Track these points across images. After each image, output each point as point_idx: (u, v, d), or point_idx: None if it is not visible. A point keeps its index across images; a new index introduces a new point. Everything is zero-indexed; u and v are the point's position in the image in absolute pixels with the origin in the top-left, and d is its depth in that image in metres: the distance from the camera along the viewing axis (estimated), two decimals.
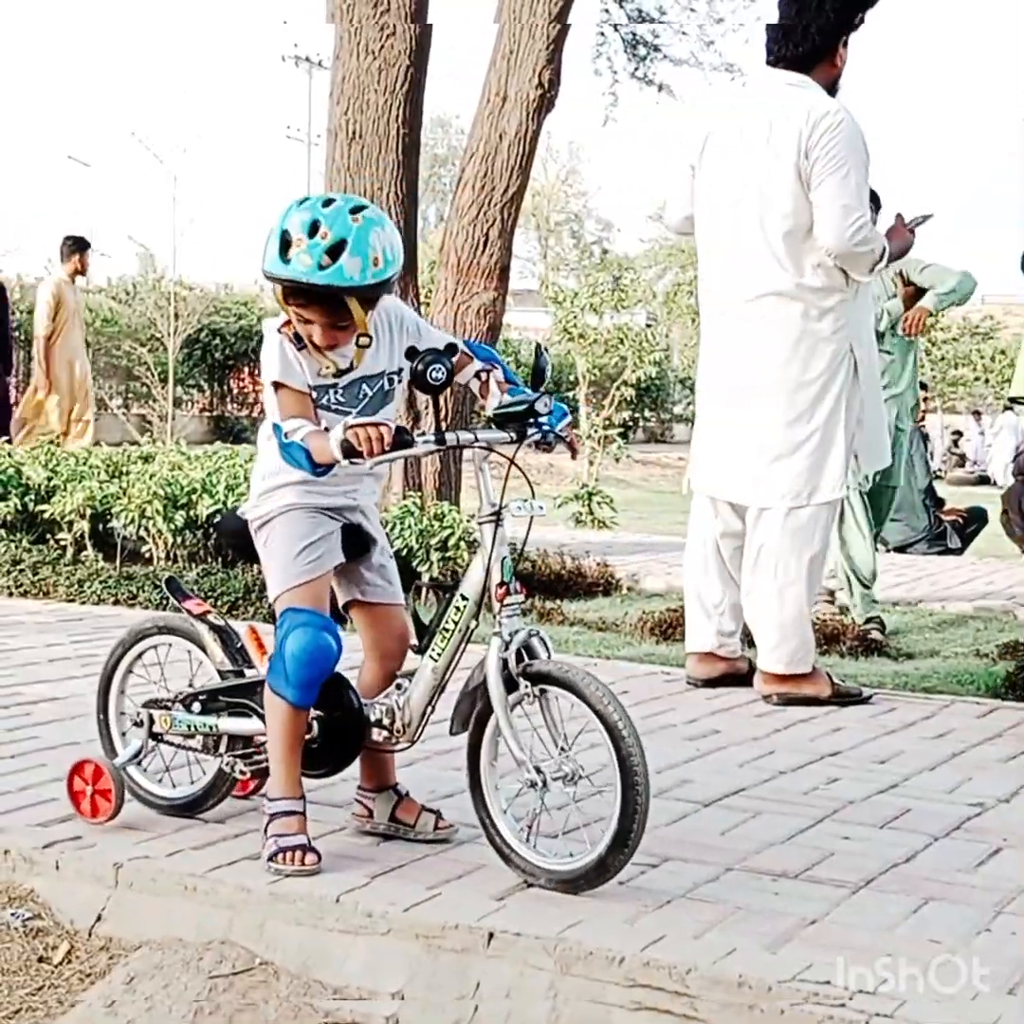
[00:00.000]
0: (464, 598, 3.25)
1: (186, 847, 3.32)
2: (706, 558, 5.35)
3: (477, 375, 3.35)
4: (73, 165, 60.02)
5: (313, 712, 3.30)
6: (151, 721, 3.56)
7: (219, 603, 6.61)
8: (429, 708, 3.30)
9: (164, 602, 6.63)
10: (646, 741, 4.46)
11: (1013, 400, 6.01)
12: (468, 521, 7.58)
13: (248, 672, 3.52)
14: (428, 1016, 2.81)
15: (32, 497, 7.62)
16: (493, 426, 3.27)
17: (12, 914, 3.18)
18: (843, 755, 4.41)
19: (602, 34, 13.46)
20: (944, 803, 3.91)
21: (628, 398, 15.40)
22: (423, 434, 3.15)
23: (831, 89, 5.20)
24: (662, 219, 8.05)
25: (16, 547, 7.39)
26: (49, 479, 7.64)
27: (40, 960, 3.06)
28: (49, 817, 3.52)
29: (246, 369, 23.78)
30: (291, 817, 3.25)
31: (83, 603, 6.83)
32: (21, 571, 7.14)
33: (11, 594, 7.02)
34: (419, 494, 7.45)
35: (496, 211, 8.22)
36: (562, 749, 3.11)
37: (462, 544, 7.16)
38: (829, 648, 6.14)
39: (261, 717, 3.36)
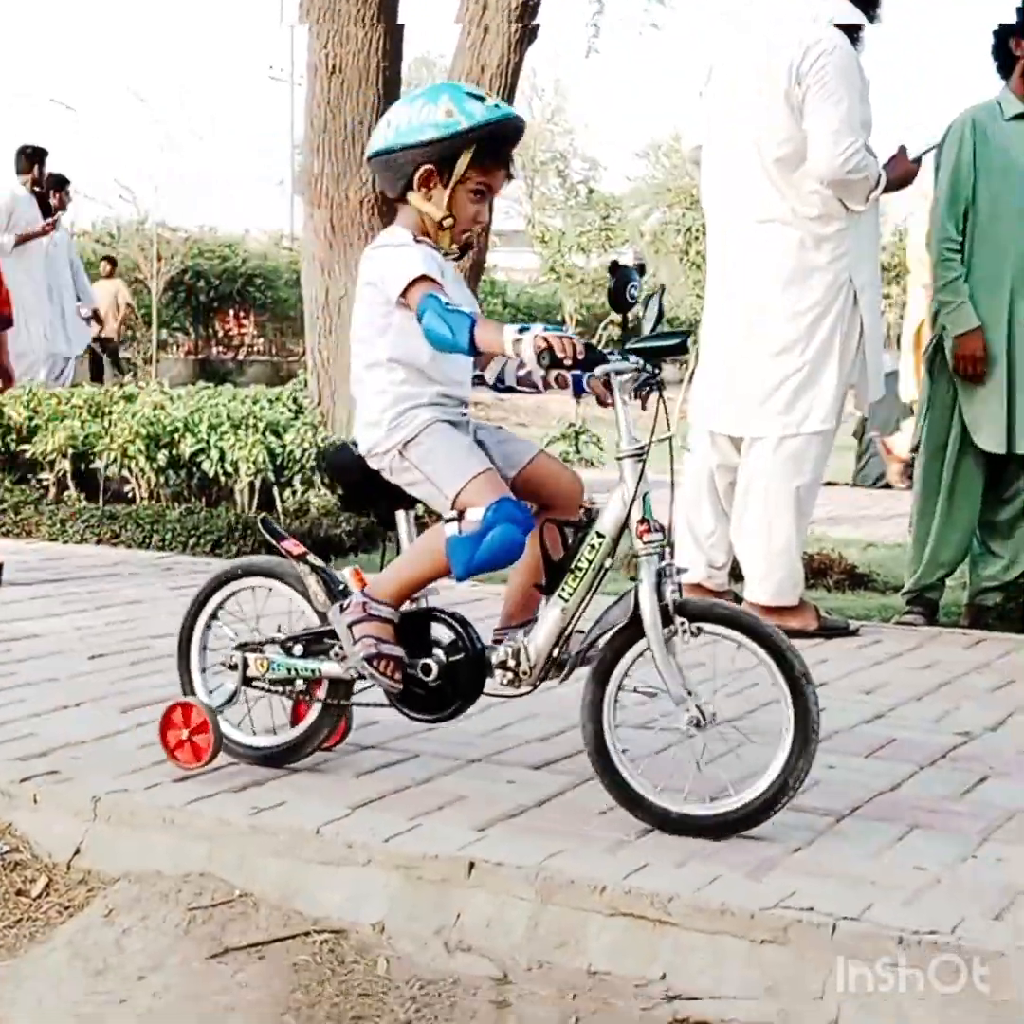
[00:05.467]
0: (600, 535, 3.07)
1: (165, 780, 3.29)
2: (700, 489, 5.31)
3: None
4: (56, 109, 59.50)
5: (434, 656, 3.16)
6: (246, 664, 3.35)
7: (202, 542, 6.57)
8: (555, 650, 3.12)
9: (145, 542, 6.61)
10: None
11: None
12: None
13: None
14: (409, 946, 2.79)
15: (13, 437, 7.57)
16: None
17: None
18: (829, 686, 4.38)
19: None
20: (930, 732, 3.90)
21: (615, 338, 15.31)
22: (609, 351, 3.07)
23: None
24: (680, 151, 7.95)
25: None
26: (30, 419, 7.57)
27: (18, 893, 3.05)
28: (28, 751, 3.48)
29: (231, 311, 23.60)
30: (388, 624, 3.16)
31: (66, 543, 6.78)
32: (2, 511, 7.08)
33: None
34: None
35: None
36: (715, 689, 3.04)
37: None
38: (816, 581, 6.11)
39: None
